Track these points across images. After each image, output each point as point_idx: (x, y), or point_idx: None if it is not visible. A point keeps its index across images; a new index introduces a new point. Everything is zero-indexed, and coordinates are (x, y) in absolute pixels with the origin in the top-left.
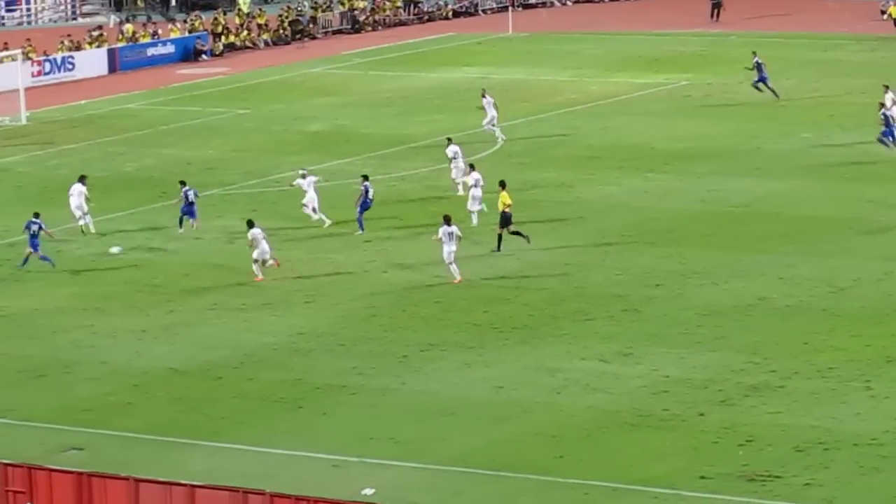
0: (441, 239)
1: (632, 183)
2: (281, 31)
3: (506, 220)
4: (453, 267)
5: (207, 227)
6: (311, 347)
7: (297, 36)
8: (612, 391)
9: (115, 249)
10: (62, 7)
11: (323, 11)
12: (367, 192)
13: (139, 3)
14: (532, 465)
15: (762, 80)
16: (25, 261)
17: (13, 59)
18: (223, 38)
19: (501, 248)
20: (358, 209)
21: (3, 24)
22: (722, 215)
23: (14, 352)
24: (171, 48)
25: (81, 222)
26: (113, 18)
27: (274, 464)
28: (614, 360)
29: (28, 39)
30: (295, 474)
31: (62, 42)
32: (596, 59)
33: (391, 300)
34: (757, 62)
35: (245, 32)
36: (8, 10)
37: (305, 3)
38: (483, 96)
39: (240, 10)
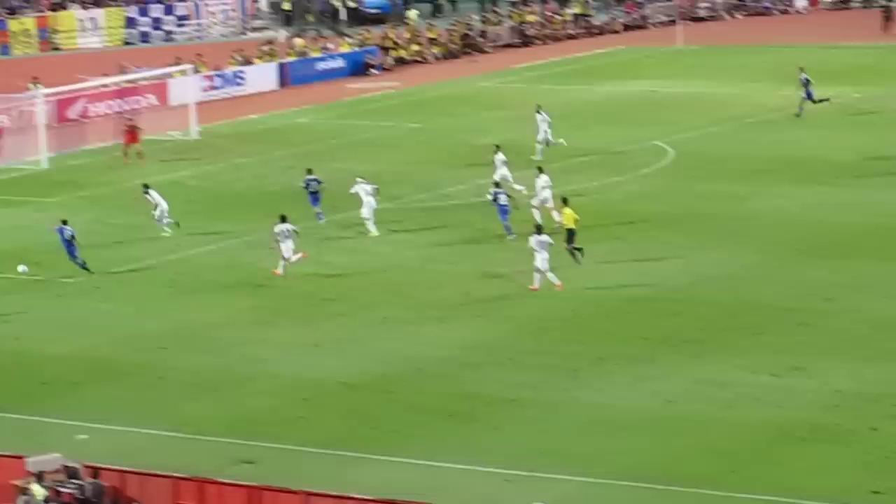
0: (534, 248)
1: (805, 196)
2: (451, 45)
3: (570, 236)
4: (551, 275)
5: (379, 240)
6: (481, 361)
7: (467, 50)
8: (783, 405)
9: (21, 268)
10: (233, 22)
11: (493, 25)
12: (495, 198)
13: (309, 17)
14: (703, 480)
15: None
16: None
17: (184, 74)
18: (393, 52)
19: (580, 260)
20: (499, 217)
21: (175, 39)
22: None
23: (187, 365)
24: (340, 62)
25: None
26: (283, 33)
27: (445, 478)
28: (786, 374)
29: (199, 54)
30: (466, 489)
31: (233, 57)
32: (766, 72)
33: (561, 313)
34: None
35: (415, 46)
36: (179, 25)
37: (475, 17)
38: (538, 112)
39: (410, 24)
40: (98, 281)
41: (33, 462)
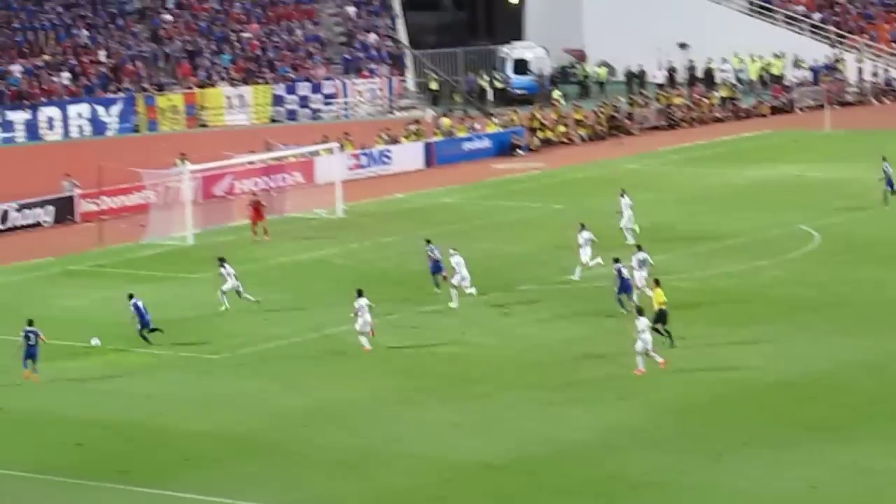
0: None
1: None
2: (597, 127)
3: (660, 316)
4: (641, 358)
5: (521, 322)
6: (623, 443)
7: (614, 132)
8: None
9: (94, 341)
10: (380, 101)
11: (640, 107)
12: (619, 273)
13: (456, 98)
14: None
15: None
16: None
17: (331, 153)
18: (540, 133)
19: (675, 342)
20: (616, 292)
21: (321, 118)
22: None
23: (330, 443)
24: (487, 143)
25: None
26: (430, 112)
27: None
28: None
29: (346, 133)
30: None
31: (379, 136)
32: None
33: (703, 396)
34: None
35: (561, 128)
36: (326, 104)
37: (622, 99)
38: (621, 196)
39: (557, 105)
40: (243, 358)
41: None
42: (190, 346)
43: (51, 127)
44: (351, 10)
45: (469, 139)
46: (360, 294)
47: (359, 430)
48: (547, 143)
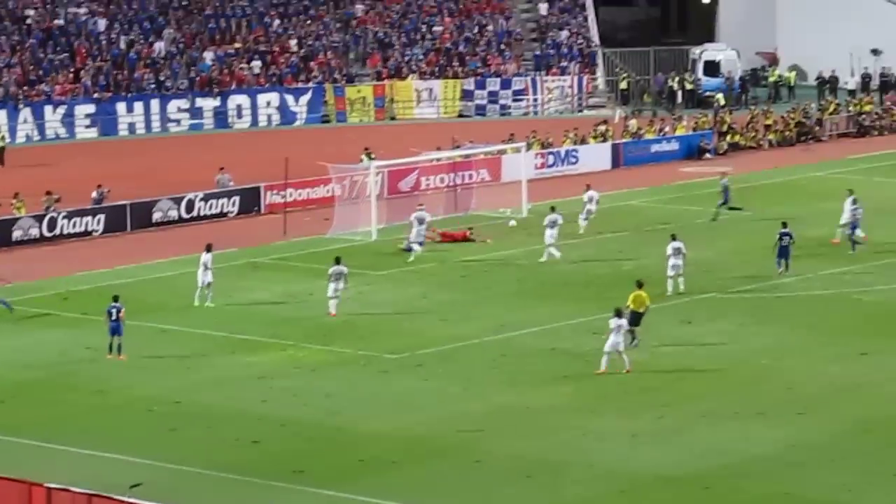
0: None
1: None
2: (786, 133)
3: (634, 319)
4: (607, 359)
5: (702, 331)
6: (802, 460)
7: (803, 138)
8: None
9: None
10: (568, 99)
11: (830, 114)
12: (780, 237)
13: (646, 98)
14: None
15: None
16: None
17: (518, 151)
18: (728, 137)
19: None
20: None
21: (510, 114)
22: None
23: (505, 449)
24: (675, 145)
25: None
26: (619, 113)
27: None
28: None
29: (534, 131)
30: None
31: (567, 135)
32: None
33: (886, 413)
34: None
35: (752, 133)
36: (515, 100)
37: (813, 106)
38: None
39: (751, 109)
40: (422, 358)
41: None
42: (370, 345)
43: (239, 115)
44: (543, 6)
45: (657, 141)
46: (336, 261)
47: (534, 437)
48: (735, 147)
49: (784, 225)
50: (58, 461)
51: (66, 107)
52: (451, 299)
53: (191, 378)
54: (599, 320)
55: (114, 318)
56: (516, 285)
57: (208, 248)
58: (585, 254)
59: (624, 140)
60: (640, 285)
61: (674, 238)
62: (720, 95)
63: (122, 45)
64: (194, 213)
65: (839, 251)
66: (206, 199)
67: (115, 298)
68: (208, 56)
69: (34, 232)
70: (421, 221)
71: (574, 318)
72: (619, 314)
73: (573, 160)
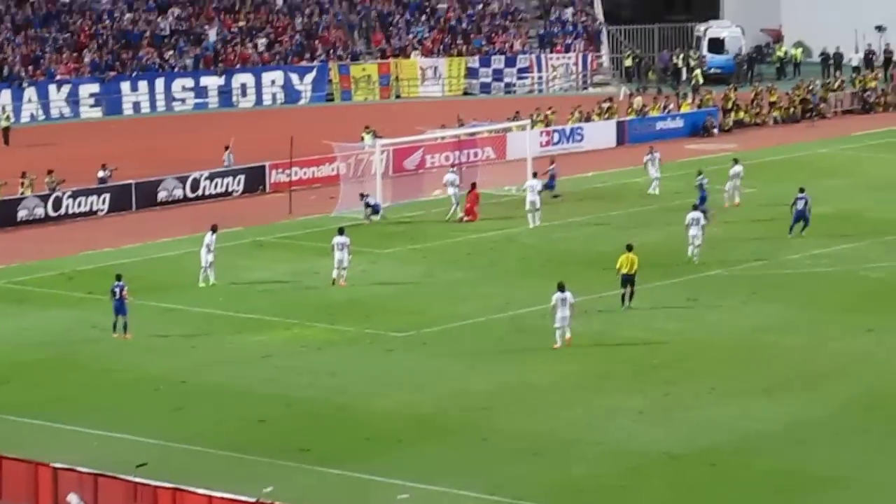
0: (554, 304)
1: None
2: (791, 110)
3: (625, 280)
4: (560, 332)
5: (708, 308)
6: (808, 437)
7: (807, 115)
8: None
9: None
10: (573, 76)
11: (834, 91)
12: (794, 201)
13: (651, 75)
14: None
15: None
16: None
17: (523, 129)
18: (733, 114)
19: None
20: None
21: (515, 92)
22: None
23: (511, 427)
24: (680, 123)
25: (203, 274)
26: (623, 90)
27: None
28: None
29: (538, 108)
30: None
31: (572, 112)
32: None
33: (892, 391)
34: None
35: (756, 109)
36: (520, 78)
37: (818, 83)
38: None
39: (755, 86)
40: (427, 336)
41: None
42: (375, 323)
43: (244, 94)
44: None
45: (662, 118)
46: (340, 232)
47: (541, 414)
48: (739, 124)
49: (801, 190)
50: (63, 441)
51: (70, 86)
52: (455, 278)
53: (196, 357)
54: (605, 298)
55: (117, 296)
56: (522, 263)
57: (213, 229)
58: (589, 231)
59: (629, 118)
60: (629, 248)
61: (695, 208)
62: (698, 72)
63: (126, 24)
64: (199, 192)
65: (845, 229)
66: (211, 178)
67: (118, 277)
68: (212, 34)
69: (39, 212)
70: (453, 184)
71: (578, 295)
72: (561, 288)
73: (578, 138)
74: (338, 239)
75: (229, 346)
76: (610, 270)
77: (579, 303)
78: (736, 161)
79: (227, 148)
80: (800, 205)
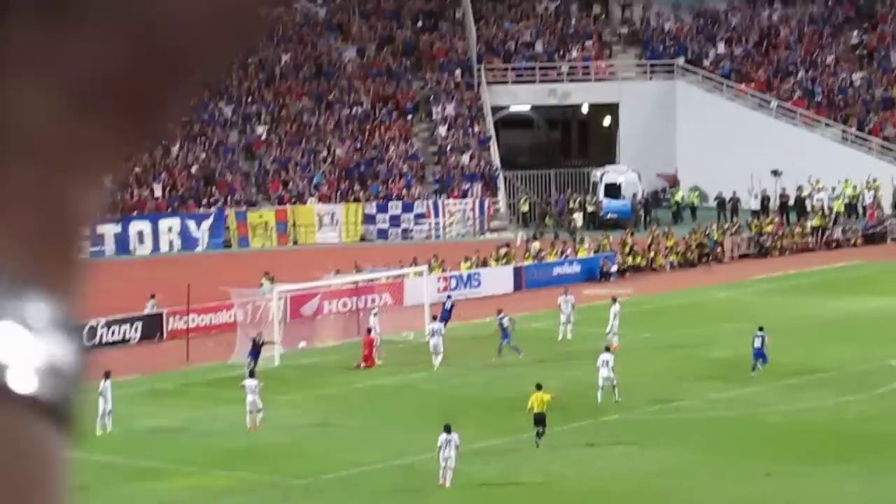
0: (440, 445)
1: None
2: (688, 254)
3: (538, 419)
4: (443, 472)
5: (605, 453)
6: None
7: (704, 259)
8: None
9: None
10: (470, 222)
11: (731, 235)
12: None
13: (547, 220)
14: None
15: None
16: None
17: (419, 275)
18: (630, 258)
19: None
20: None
21: (412, 237)
22: None
23: None
24: (576, 268)
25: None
26: (521, 235)
27: None
28: None
29: (435, 255)
30: None
31: (468, 258)
32: None
33: None
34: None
35: (652, 254)
36: (417, 224)
37: (714, 227)
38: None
39: (652, 231)
40: (325, 483)
41: None
42: (274, 469)
43: (140, 241)
44: (443, 129)
45: (559, 263)
46: (447, 430)
47: None
48: (636, 269)
49: (760, 329)
50: None
51: None
52: (354, 424)
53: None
54: (503, 444)
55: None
56: (419, 409)
57: (107, 375)
58: (488, 376)
59: (526, 263)
60: (538, 387)
61: (607, 350)
62: (577, 215)
63: None
64: (96, 340)
65: (742, 373)
66: (108, 325)
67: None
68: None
69: None
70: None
71: (474, 442)
72: (447, 430)
73: (475, 283)
74: (248, 381)
75: (127, 495)
76: (519, 411)
77: (477, 449)
78: (614, 300)
79: (152, 296)
80: (756, 342)
